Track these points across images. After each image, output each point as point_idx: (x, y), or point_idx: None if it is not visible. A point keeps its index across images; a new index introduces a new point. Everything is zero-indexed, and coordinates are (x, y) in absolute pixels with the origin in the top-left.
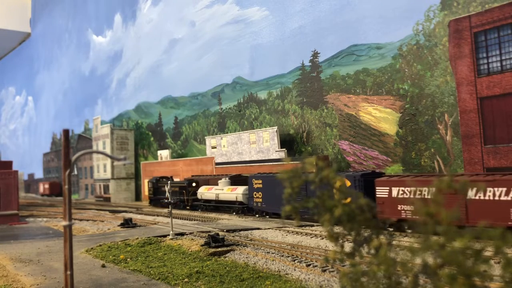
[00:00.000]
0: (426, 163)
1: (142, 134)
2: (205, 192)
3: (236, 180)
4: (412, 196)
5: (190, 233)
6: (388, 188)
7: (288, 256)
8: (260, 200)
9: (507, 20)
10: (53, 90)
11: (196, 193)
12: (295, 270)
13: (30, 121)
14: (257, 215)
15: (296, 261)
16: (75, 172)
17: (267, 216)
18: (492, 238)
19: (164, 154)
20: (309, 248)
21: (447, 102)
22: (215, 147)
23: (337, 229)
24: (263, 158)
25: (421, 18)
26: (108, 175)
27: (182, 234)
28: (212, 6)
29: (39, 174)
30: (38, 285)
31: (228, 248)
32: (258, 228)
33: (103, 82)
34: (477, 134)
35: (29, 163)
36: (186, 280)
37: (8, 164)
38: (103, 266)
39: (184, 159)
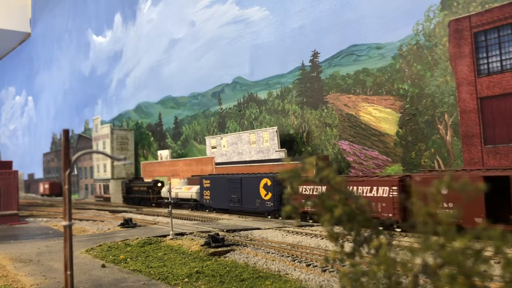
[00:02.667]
0: (426, 163)
1: (142, 134)
2: (167, 191)
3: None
4: (311, 192)
5: (190, 233)
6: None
7: (288, 256)
8: (209, 197)
9: (507, 20)
10: (53, 90)
11: (160, 192)
12: (295, 270)
13: (30, 121)
14: (207, 210)
15: (296, 261)
16: (75, 172)
17: (214, 211)
18: (492, 238)
19: (164, 154)
20: (309, 248)
21: (447, 102)
22: (215, 147)
23: (337, 229)
24: (263, 158)
25: (421, 18)
26: (108, 175)
27: (182, 234)
28: (212, 6)
29: (39, 174)
30: (38, 285)
31: (228, 248)
32: (258, 228)
33: (103, 82)
34: (477, 134)
35: (29, 163)
36: (186, 280)
37: (8, 164)
38: (103, 266)
39: (184, 159)
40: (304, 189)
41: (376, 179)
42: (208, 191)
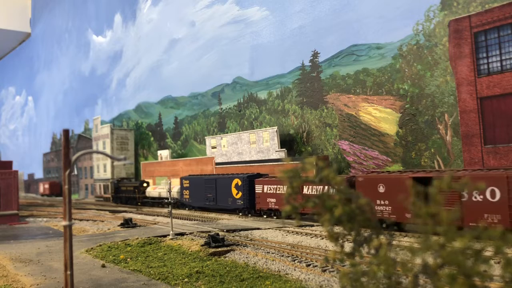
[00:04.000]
0: (426, 163)
1: (142, 134)
2: (151, 191)
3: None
4: (274, 191)
5: (190, 233)
6: (262, 186)
7: (288, 256)
8: (188, 196)
9: (507, 20)
10: (53, 90)
11: (145, 192)
12: (295, 270)
13: (30, 121)
14: (186, 208)
15: (296, 261)
16: (75, 172)
17: (193, 209)
18: (492, 238)
19: (164, 154)
20: (309, 248)
21: (447, 102)
22: (215, 147)
23: (337, 229)
24: (263, 158)
25: (421, 18)
26: (108, 175)
27: (182, 234)
28: (212, 6)
29: (39, 174)
30: (38, 285)
31: (228, 248)
32: (258, 228)
33: (103, 82)
34: (477, 134)
35: (29, 163)
36: (186, 280)
37: (8, 164)
38: (103, 266)
39: (184, 159)
40: (269, 188)
41: None
42: (188, 191)
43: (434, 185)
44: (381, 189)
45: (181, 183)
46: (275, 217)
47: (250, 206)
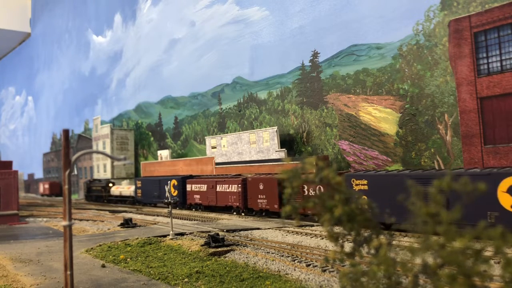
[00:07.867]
0: (426, 163)
1: (142, 134)
2: (114, 190)
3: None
4: (199, 189)
5: (190, 233)
6: (191, 185)
7: (288, 256)
8: (140, 194)
9: (507, 20)
10: (53, 90)
11: (110, 191)
12: (295, 270)
13: (30, 121)
14: (141, 204)
15: (296, 261)
16: (75, 172)
17: (147, 205)
18: (492, 238)
19: (164, 154)
20: (309, 248)
21: (447, 102)
22: (215, 147)
23: (337, 229)
24: (263, 158)
25: (421, 18)
26: (108, 175)
27: (182, 234)
28: (212, 6)
29: (39, 174)
30: (38, 285)
31: (228, 248)
32: (258, 228)
33: (103, 82)
34: (477, 134)
35: (29, 163)
36: (186, 280)
37: (8, 164)
38: (103, 266)
39: (184, 159)
40: (195, 187)
41: (231, 179)
42: (140, 190)
43: (434, 185)
44: (261, 187)
45: (135, 183)
46: (200, 210)
47: (184, 201)
